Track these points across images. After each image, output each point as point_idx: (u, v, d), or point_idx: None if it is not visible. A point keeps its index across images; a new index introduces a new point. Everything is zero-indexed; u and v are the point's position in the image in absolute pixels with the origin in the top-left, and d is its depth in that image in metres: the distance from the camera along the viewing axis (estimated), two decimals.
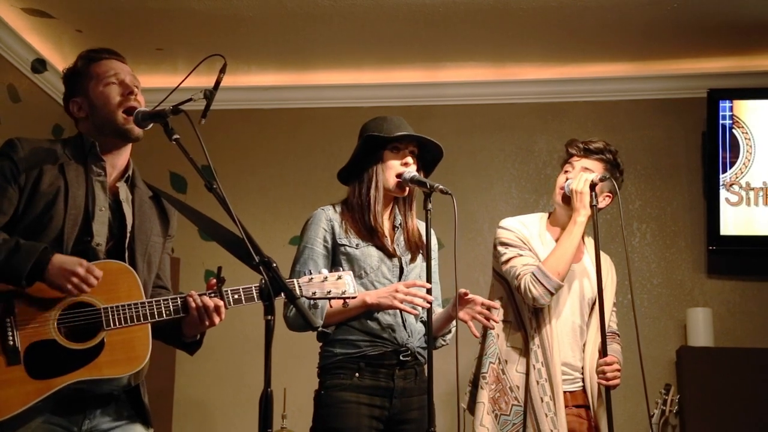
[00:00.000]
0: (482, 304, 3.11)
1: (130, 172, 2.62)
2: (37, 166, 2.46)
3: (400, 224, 3.21)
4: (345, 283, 2.64)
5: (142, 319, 2.40)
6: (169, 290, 2.69)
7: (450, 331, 3.24)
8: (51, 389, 2.32)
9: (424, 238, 3.10)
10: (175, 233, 2.75)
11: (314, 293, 2.60)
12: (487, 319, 3.12)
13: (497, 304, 3.34)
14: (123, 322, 2.38)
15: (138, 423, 2.52)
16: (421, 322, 3.15)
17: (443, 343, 3.25)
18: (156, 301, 2.43)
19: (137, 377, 2.45)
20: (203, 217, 2.64)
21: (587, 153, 3.45)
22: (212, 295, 2.47)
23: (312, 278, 2.61)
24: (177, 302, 2.45)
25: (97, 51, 2.66)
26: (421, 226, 3.20)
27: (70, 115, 2.64)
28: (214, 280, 2.50)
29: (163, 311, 2.43)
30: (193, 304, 2.45)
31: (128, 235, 2.53)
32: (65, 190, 2.45)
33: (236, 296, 2.49)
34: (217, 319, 2.48)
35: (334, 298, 2.64)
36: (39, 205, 2.43)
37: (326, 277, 2.62)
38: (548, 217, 3.56)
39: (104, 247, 2.49)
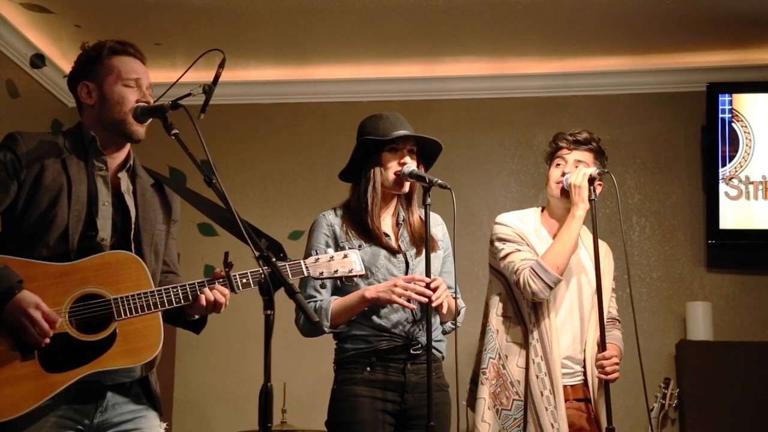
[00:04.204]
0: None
1: (131, 162, 2.62)
2: (39, 161, 2.45)
3: (403, 220, 3.22)
4: (351, 261, 2.67)
5: (152, 307, 2.42)
6: (178, 274, 2.70)
7: (459, 313, 3.21)
8: (66, 382, 2.32)
9: (431, 228, 3.08)
10: (179, 217, 2.73)
11: (321, 273, 2.62)
12: (422, 295, 2.97)
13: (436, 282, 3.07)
14: (134, 311, 2.40)
15: (149, 411, 2.52)
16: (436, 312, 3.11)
17: (452, 326, 3.21)
18: (165, 290, 2.44)
19: (150, 366, 2.46)
20: (205, 200, 2.65)
21: (577, 144, 3.46)
22: (221, 282, 2.50)
23: (318, 258, 2.64)
24: (186, 290, 2.47)
25: (124, 44, 2.60)
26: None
27: (76, 96, 2.59)
28: (219, 271, 2.51)
29: (173, 299, 2.44)
30: (204, 302, 2.47)
31: (133, 226, 2.53)
32: (68, 186, 2.45)
33: (245, 280, 2.51)
34: (222, 309, 2.52)
35: (341, 276, 2.65)
36: (42, 201, 2.42)
37: (332, 257, 2.65)
38: (542, 211, 3.56)
39: (109, 241, 2.49)
